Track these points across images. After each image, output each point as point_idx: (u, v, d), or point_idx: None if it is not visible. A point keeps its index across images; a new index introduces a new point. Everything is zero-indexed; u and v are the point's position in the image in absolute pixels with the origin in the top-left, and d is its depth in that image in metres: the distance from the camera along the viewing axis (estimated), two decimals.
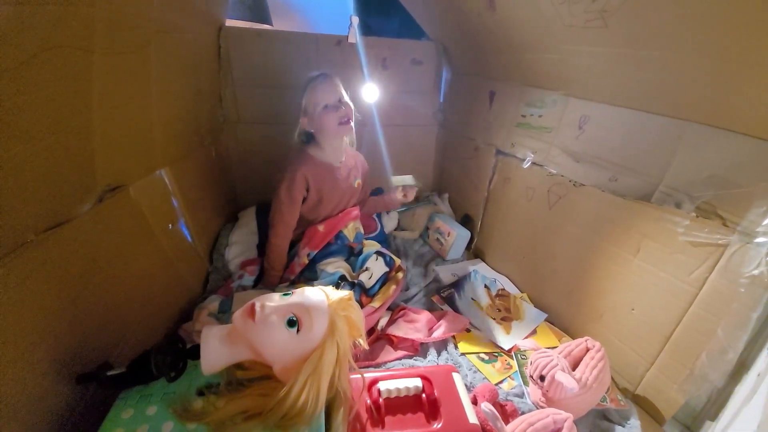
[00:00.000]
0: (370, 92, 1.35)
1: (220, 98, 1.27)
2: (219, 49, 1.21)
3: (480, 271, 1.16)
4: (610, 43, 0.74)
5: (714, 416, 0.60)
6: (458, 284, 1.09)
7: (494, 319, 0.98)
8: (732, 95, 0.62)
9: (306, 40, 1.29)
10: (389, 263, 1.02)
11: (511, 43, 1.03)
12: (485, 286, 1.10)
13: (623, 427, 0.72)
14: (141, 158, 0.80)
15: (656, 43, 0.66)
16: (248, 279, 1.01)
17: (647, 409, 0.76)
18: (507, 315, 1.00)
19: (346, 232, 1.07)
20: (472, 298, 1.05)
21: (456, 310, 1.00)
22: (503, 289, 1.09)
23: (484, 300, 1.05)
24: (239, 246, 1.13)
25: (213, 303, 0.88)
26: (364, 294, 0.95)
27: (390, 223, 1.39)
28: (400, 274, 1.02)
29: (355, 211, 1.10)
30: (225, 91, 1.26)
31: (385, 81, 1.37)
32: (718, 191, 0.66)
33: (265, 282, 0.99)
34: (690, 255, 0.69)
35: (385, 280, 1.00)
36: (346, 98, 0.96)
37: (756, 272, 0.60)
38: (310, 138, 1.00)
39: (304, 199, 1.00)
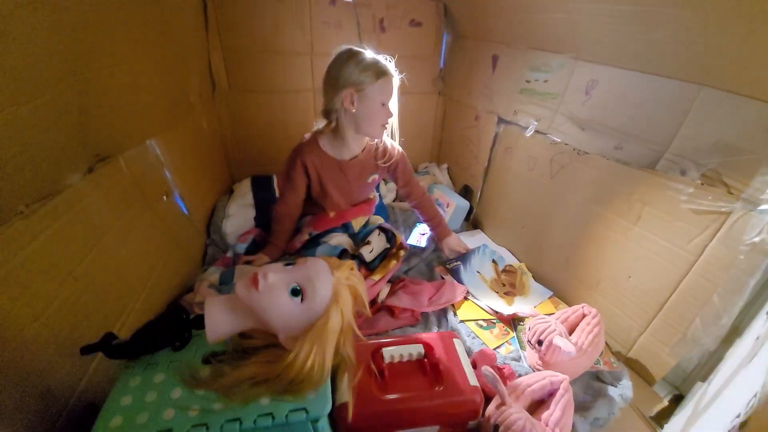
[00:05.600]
0: None
1: (208, 64, 1.20)
2: (204, 9, 1.13)
3: (489, 246, 1.15)
4: (622, 0, 0.70)
5: (704, 377, 0.62)
6: (466, 257, 1.08)
7: (497, 292, 0.99)
8: (748, 57, 0.59)
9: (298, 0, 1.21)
10: (390, 239, 1.01)
11: (515, 2, 0.97)
12: (493, 261, 1.10)
13: (615, 387, 0.75)
14: (129, 127, 0.76)
15: None
16: (240, 246, 1.00)
17: (638, 370, 0.80)
18: (511, 290, 1.01)
19: (354, 222, 1.05)
20: (478, 272, 1.05)
21: (460, 282, 1.01)
22: (510, 265, 1.09)
23: (490, 274, 1.05)
24: (236, 218, 1.12)
25: (213, 274, 0.88)
26: (364, 267, 0.95)
27: (389, 194, 1.38)
28: (402, 252, 1.01)
29: (369, 208, 1.07)
30: (213, 56, 1.20)
31: (383, 44, 1.30)
32: (725, 158, 0.65)
33: (264, 252, 0.98)
34: (691, 223, 0.69)
35: (385, 255, 1.00)
36: None
37: (757, 239, 0.60)
38: (334, 117, 0.88)
39: (310, 187, 0.97)
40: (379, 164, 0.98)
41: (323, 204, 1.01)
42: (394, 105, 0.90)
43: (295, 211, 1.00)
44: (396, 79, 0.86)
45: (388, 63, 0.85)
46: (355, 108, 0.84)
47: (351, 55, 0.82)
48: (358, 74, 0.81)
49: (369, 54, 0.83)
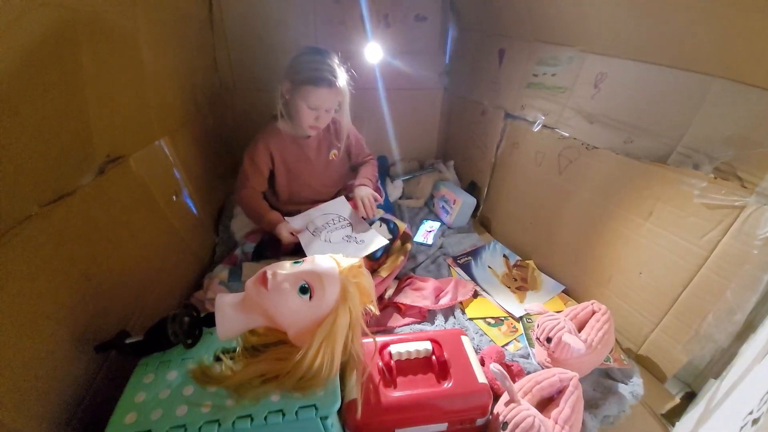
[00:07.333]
0: (373, 52, 1.28)
1: (214, 62, 1.21)
2: (210, 7, 1.14)
3: (499, 242, 1.15)
4: None
5: (717, 374, 0.62)
6: (476, 252, 1.09)
7: (509, 287, 0.99)
8: (763, 48, 0.57)
9: None
10: (393, 230, 1.01)
11: None
12: (504, 256, 1.10)
13: (626, 384, 0.74)
14: (138, 127, 0.77)
15: None
16: (249, 245, 1.02)
17: (649, 368, 0.79)
18: (523, 285, 1.00)
19: None
20: (489, 266, 1.05)
21: (471, 276, 1.01)
22: (522, 260, 1.09)
23: (501, 269, 1.05)
24: (244, 217, 1.12)
25: (222, 272, 0.89)
26: (367, 259, 0.94)
27: (395, 191, 1.37)
28: (408, 245, 1.01)
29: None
30: (219, 55, 1.20)
31: (388, 40, 1.30)
32: (739, 151, 0.63)
33: (273, 221, 0.98)
34: (704, 218, 0.67)
35: (389, 247, 0.99)
36: (335, 108, 0.93)
37: None
38: (279, 102, 0.94)
39: (273, 174, 1.01)
40: (333, 137, 1.04)
41: (292, 191, 1.05)
42: (344, 116, 0.97)
43: (258, 195, 1.02)
44: (329, 89, 0.87)
45: (332, 75, 0.87)
46: (288, 101, 0.91)
47: (303, 54, 0.88)
48: (295, 73, 0.87)
49: (320, 59, 0.87)
